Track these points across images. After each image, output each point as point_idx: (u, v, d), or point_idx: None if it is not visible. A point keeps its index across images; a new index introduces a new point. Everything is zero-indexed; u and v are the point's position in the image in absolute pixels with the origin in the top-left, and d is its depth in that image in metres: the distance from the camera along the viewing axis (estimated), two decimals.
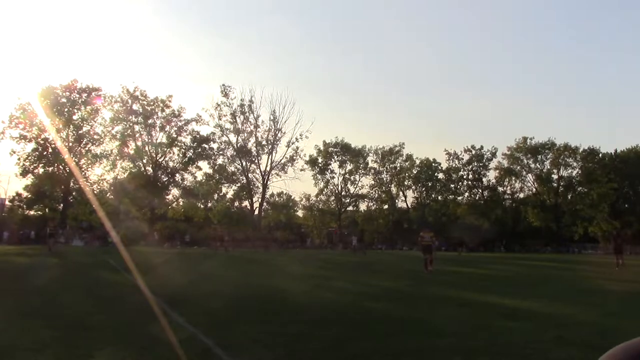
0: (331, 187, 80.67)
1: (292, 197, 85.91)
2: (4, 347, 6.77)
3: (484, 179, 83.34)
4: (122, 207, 60.57)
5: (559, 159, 79.50)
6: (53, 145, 58.56)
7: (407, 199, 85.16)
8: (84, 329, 8.07)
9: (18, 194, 62.01)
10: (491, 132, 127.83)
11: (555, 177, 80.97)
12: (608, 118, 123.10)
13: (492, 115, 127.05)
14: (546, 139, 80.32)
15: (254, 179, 72.23)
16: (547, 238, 77.22)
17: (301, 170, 73.65)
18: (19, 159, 57.97)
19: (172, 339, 6.98)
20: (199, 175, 70.46)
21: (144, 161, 66.85)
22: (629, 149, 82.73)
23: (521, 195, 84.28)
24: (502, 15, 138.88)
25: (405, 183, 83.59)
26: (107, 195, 64.95)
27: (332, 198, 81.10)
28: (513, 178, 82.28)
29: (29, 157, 58.44)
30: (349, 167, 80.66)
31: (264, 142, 71.13)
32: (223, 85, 69.60)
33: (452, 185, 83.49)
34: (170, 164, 68.26)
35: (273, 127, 70.88)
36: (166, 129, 67.15)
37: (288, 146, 71.05)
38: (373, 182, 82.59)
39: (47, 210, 63.08)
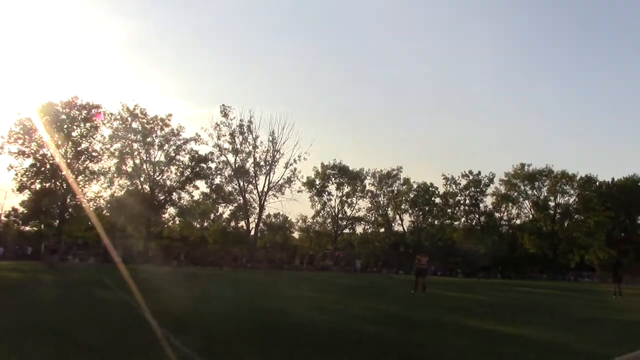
0: (328, 209, 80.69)
1: (288, 219, 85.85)
2: None
3: (480, 205, 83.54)
4: (118, 225, 60.34)
5: (556, 186, 79.74)
6: (51, 161, 58.54)
7: (404, 222, 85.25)
8: (78, 347, 7.99)
9: (14, 209, 61.86)
10: (489, 158, 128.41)
11: (552, 204, 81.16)
12: (606, 147, 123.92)
13: (491, 142, 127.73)
14: (544, 166, 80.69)
15: (251, 199, 72.31)
16: (543, 265, 77.12)
17: (298, 191, 73.84)
18: (16, 174, 57.90)
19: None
20: (196, 195, 70.51)
21: (142, 179, 66.78)
22: (626, 178, 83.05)
23: (518, 222, 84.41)
24: (500, 42, 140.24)
25: (402, 207, 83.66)
26: (104, 212, 64.80)
27: (329, 220, 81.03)
28: (510, 204, 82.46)
29: (27, 173, 58.33)
30: (346, 189, 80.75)
31: (262, 163, 71.37)
32: (222, 105, 70.10)
33: (449, 210, 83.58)
34: (168, 182, 68.26)
35: (272, 147, 71.18)
36: (165, 148, 67.26)
37: (286, 167, 71.29)
38: (370, 205, 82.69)
39: (42, 226, 62.86)
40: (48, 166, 58.75)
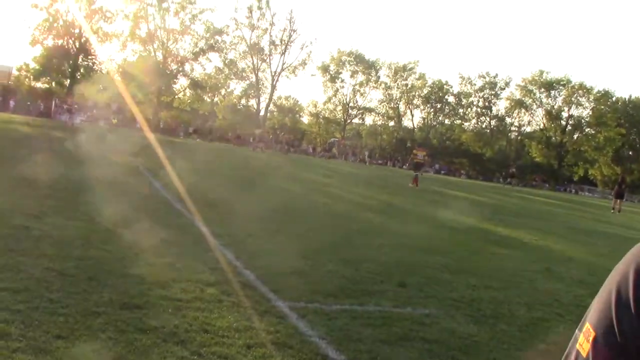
0: (340, 97, 79.94)
1: (298, 102, 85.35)
2: (4, 210, 6.87)
3: (493, 108, 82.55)
4: (128, 90, 60.08)
5: (572, 97, 78.39)
6: (64, 17, 57.62)
7: (414, 118, 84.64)
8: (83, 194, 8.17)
9: (26, 65, 61.29)
10: (508, 60, 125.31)
11: (565, 114, 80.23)
12: (628, 62, 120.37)
13: (512, 44, 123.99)
14: (562, 75, 79.05)
15: (264, 78, 71.60)
16: (547, 175, 77.51)
17: (312, 75, 72.98)
18: (29, 27, 57.32)
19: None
20: (209, 68, 69.63)
21: (155, 46, 65.69)
22: None
23: (528, 129, 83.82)
24: None
25: (415, 102, 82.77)
26: (114, 76, 64.31)
27: (339, 108, 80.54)
28: (523, 110, 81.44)
29: (39, 27, 57.57)
30: (360, 78, 79.57)
31: (277, 42, 69.95)
32: None
33: (461, 110, 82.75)
34: (181, 52, 67.15)
35: (289, 26, 69.48)
36: (180, 15, 65.58)
37: (302, 49, 69.99)
38: (382, 96, 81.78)
39: (53, 84, 62.68)
40: (61, 22, 57.82)
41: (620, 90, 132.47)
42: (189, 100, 73.66)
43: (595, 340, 0.73)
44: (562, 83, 79.03)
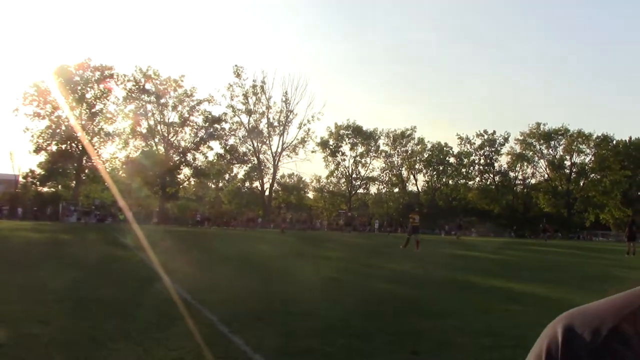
0: (342, 170, 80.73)
1: (302, 179, 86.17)
2: (14, 319, 6.90)
3: (495, 164, 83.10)
4: (133, 186, 60.96)
5: (572, 145, 79.01)
6: (66, 123, 59.21)
7: (418, 182, 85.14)
8: (92, 302, 8.20)
9: (31, 171, 62.53)
10: (504, 117, 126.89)
11: (567, 163, 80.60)
12: (623, 105, 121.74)
13: (505, 101, 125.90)
14: (559, 125, 79.88)
15: (265, 160, 72.64)
16: (558, 224, 76.98)
17: (312, 152, 73.98)
18: (32, 136, 58.82)
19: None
20: (211, 155, 70.86)
21: (156, 140, 67.20)
22: None
23: (533, 181, 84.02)
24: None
25: (416, 167, 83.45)
26: (120, 173, 65.42)
27: (343, 180, 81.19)
28: (525, 164, 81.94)
29: (42, 135, 59.14)
30: (360, 149, 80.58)
31: (275, 123, 71.40)
32: (235, 65, 69.88)
33: (464, 170, 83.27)
34: (182, 143, 68.58)
35: (285, 108, 71.14)
36: (178, 109, 67.35)
37: (300, 128, 71.28)
38: (384, 165, 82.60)
39: (59, 187, 63.73)
40: (63, 128, 59.40)
41: (620, 132, 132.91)
42: (193, 189, 74.50)
43: None
44: (560, 133, 79.81)
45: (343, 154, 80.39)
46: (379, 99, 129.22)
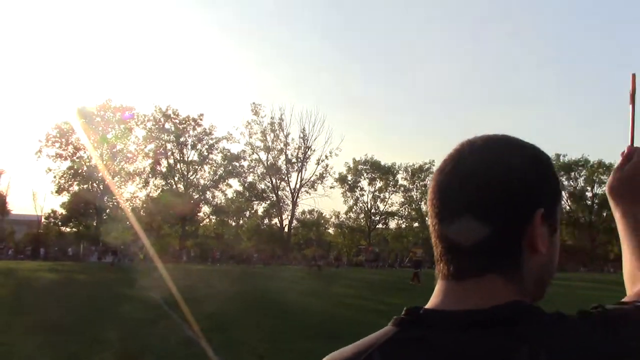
0: (361, 205, 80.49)
1: (322, 214, 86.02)
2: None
3: None
4: (154, 224, 61.35)
5: (593, 176, 78.25)
6: (88, 163, 60.14)
7: None
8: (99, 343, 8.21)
9: (53, 211, 63.25)
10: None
11: (589, 194, 79.74)
12: None
13: (524, 133, 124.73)
14: (579, 156, 79.31)
15: (284, 197, 72.71)
16: (581, 257, 75.80)
17: (331, 187, 73.98)
18: (54, 177, 59.81)
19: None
20: (230, 193, 71.18)
21: (176, 179, 67.74)
22: None
23: None
24: (532, 28, 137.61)
25: None
26: (140, 212, 65.88)
27: (362, 215, 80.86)
28: None
29: (64, 175, 60.07)
30: (378, 184, 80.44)
31: (293, 160, 71.66)
32: (253, 103, 70.54)
33: None
34: (202, 181, 69.06)
35: (303, 144, 71.44)
36: (197, 147, 68.04)
37: (318, 163, 71.51)
38: (403, 199, 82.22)
39: (81, 227, 64.27)
40: (85, 168, 60.27)
41: None
42: (214, 227, 74.71)
43: None
44: (580, 164, 79.14)
45: (361, 189, 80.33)
46: (397, 134, 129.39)
